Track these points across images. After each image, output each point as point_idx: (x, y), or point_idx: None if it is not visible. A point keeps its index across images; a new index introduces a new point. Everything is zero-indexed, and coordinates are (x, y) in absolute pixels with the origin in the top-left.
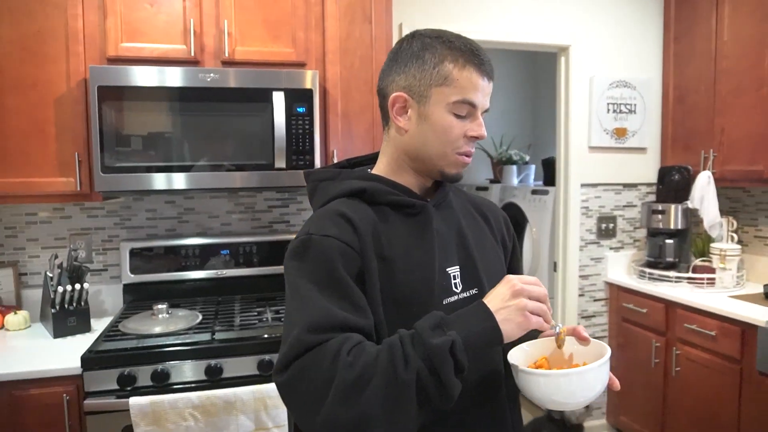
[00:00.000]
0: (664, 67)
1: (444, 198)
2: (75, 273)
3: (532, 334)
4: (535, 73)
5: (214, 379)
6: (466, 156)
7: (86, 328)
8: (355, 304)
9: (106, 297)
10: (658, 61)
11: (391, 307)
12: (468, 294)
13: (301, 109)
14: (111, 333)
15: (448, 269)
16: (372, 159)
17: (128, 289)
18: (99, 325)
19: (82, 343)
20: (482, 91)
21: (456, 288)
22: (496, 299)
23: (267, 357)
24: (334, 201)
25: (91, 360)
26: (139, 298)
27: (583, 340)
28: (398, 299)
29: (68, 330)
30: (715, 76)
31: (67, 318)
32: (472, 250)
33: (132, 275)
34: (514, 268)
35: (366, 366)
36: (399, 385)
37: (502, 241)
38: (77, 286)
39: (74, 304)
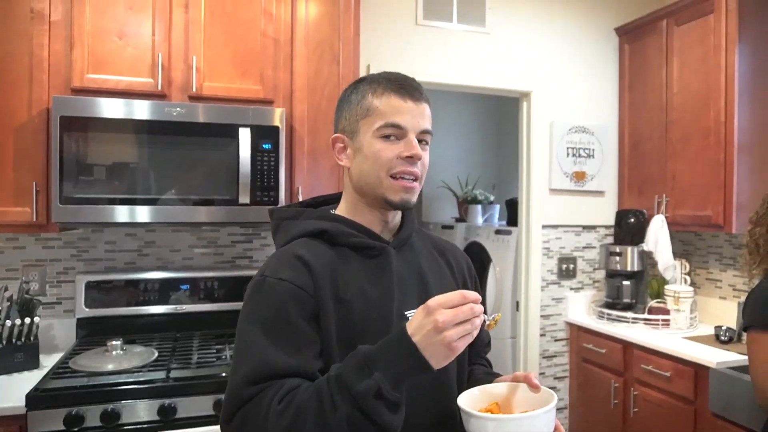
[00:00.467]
0: (619, 114)
1: (406, 239)
2: (26, 306)
3: (485, 379)
4: (499, 115)
5: (167, 420)
6: (404, 179)
7: (34, 364)
8: (300, 347)
9: (57, 332)
10: (614, 108)
11: (348, 350)
12: None
13: (267, 146)
14: (60, 370)
15: (406, 312)
16: (337, 198)
17: (82, 323)
18: (48, 362)
19: (28, 380)
20: (408, 112)
21: None
22: (420, 332)
23: (224, 396)
24: (295, 241)
25: (36, 399)
26: (93, 333)
27: (534, 387)
28: (355, 341)
29: (14, 366)
30: (666, 125)
31: (14, 354)
32: (432, 293)
33: (87, 309)
34: None
35: (297, 413)
36: (331, 430)
37: (463, 284)
38: (27, 319)
39: (23, 339)
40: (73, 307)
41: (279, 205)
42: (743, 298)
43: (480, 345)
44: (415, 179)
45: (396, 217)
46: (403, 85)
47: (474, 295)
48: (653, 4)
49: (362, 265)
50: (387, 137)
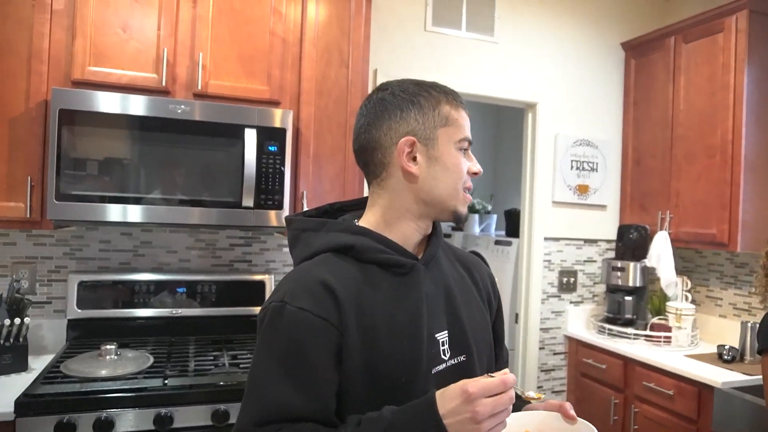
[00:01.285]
0: (623, 129)
1: (434, 255)
2: (15, 305)
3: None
4: (497, 125)
5: (163, 430)
6: (468, 193)
7: (22, 366)
8: (316, 386)
9: (47, 333)
10: (618, 123)
11: (375, 381)
12: (456, 361)
13: (272, 148)
14: (51, 374)
15: (436, 335)
16: (356, 205)
17: (73, 324)
18: (37, 364)
19: (16, 384)
20: (469, 128)
21: (444, 355)
22: (453, 417)
23: (222, 407)
24: (317, 257)
25: (26, 405)
26: (84, 335)
27: (569, 418)
28: (383, 371)
29: (1, 369)
30: (671, 141)
31: (1, 355)
32: (460, 312)
33: (79, 310)
34: (498, 328)
35: None
36: None
37: (488, 300)
38: (16, 320)
39: (11, 340)
40: (64, 308)
41: (294, 213)
42: (744, 318)
43: (501, 363)
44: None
45: (428, 230)
46: (462, 103)
47: (512, 379)
48: (660, 21)
49: (390, 285)
50: (463, 151)
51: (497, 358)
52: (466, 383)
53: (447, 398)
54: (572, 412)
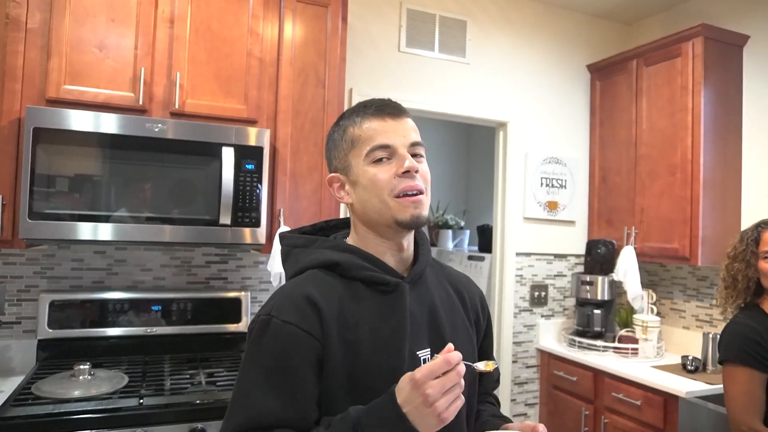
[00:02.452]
0: (590, 147)
1: (420, 274)
2: None
3: (492, 422)
4: (468, 143)
5: None
6: (409, 196)
7: None
8: (298, 396)
9: (15, 353)
10: (585, 141)
11: (357, 393)
12: None
13: (249, 166)
14: (22, 396)
15: (418, 352)
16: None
17: (44, 345)
18: (6, 386)
19: None
20: (391, 130)
21: None
22: (409, 405)
23: (199, 425)
24: (306, 273)
25: None
26: (55, 356)
27: None
28: (364, 384)
29: None
30: (635, 159)
31: None
32: (444, 331)
33: (50, 330)
34: (486, 348)
35: None
36: None
37: (476, 320)
38: None
39: None
40: (34, 328)
41: (287, 230)
42: (706, 329)
43: (489, 382)
44: (420, 193)
45: (410, 247)
46: (379, 106)
47: (457, 356)
48: (623, 45)
49: (374, 302)
50: (379, 161)
51: (482, 378)
52: (414, 371)
53: (401, 389)
54: None
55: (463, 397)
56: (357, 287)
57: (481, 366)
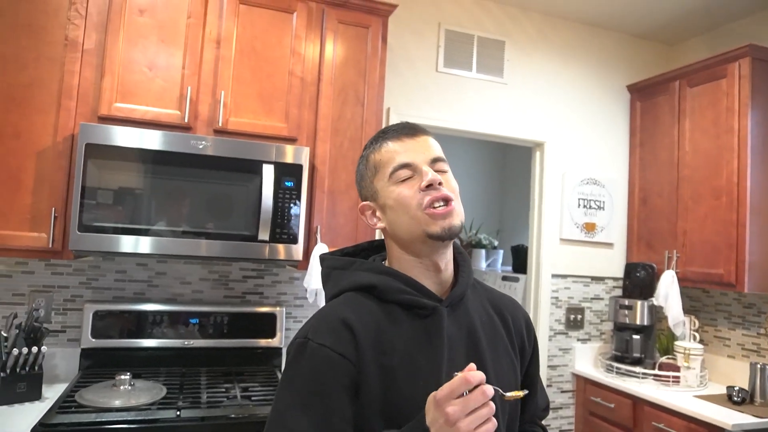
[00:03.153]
0: (630, 169)
1: (459, 297)
2: (33, 334)
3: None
4: (504, 162)
5: None
6: (435, 208)
7: (36, 395)
8: (333, 420)
9: (59, 361)
10: (624, 162)
11: (392, 419)
12: None
13: (289, 183)
14: (66, 404)
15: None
16: None
17: (86, 353)
18: (50, 393)
19: (31, 412)
20: (410, 149)
21: None
22: (434, 425)
23: None
24: (343, 296)
25: None
26: (97, 365)
27: None
28: (399, 410)
29: (16, 397)
30: (677, 182)
31: (16, 383)
32: (484, 356)
33: (93, 339)
34: (532, 374)
35: None
36: None
37: (521, 345)
38: (34, 348)
39: (27, 368)
40: (78, 336)
41: (329, 252)
42: (753, 359)
43: (534, 409)
44: (448, 201)
45: (448, 268)
46: (396, 129)
47: (480, 375)
48: (665, 66)
49: (411, 326)
50: (403, 181)
51: (526, 404)
52: (436, 391)
53: (428, 410)
54: None
55: (495, 421)
56: (394, 310)
57: (509, 393)
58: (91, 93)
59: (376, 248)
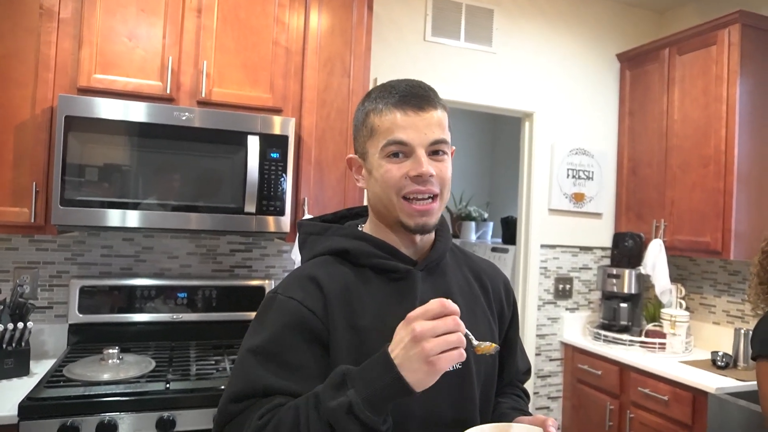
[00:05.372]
0: (619, 139)
1: (436, 262)
2: (18, 310)
3: (509, 415)
4: (494, 134)
5: None
6: (417, 200)
7: (24, 371)
8: (294, 368)
9: (48, 337)
10: (614, 132)
11: None
12: (451, 368)
13: (275, 155)
14: (54, 378)
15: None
16: None
17: (74, 329)
18: (39, 369)
19: (19, 388)
20: (411, 126)
21: None
22: (398, 346)
23: None
24: (316, 258)
25: (29, 408)
26: (85, 340)
27: None
28: None
29: (3, 373)
30: (666, 151)
31: (3, 359)
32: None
33: (80, 315)
34: (511, 337)
35: (275, 428)
36: None
37: (499, 310)
38: (20, 324)
39: (14, 344)
40: (65, 312)
41: (308, 218)
42: (737, 325)
43: (513, 372)
44: (432, 197)
45: (427, 236)
46: (404, 96)
47: (454, 307)
48: (655, 33)
49: (383, 289)
50: (395, 155)
51: (505, 367)
52: (409, 319)
53: (395, 334)
54: (552, 430)
55: (463, 353)
56: (366, 274)
57: (475, 342)
58: (70, 64)
59: (356, 215)
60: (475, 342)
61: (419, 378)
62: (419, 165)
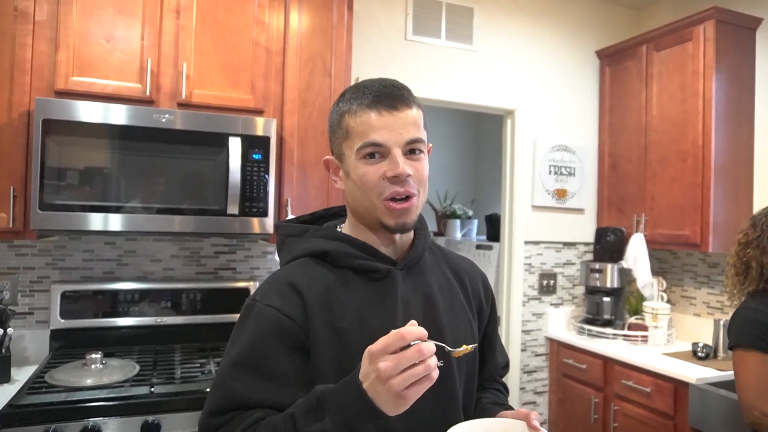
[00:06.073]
0: (599, 135)
1: (415, 260)
2: None
3: (491, 410)
4: (478, 131)
5: None
6: (395, 201)
7: (5, 378)
8: (272, 378)
9: (29, 344)
10: (594, 128)
11: None
12: None
13: (257, 156)
14: (36, 384)
15: (412, 343)
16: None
17: (56, 335)
18: (20, 375)
19: (0, 395)
20: (385, 127)
21: None
22: (367, 380)
23: None
24: (295, 261)
25: (11, 415)
26: (67, 346)
27: (532, 429)
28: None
29: None
30: (645, 146)
31: None
32: (440, 319)
33: (62, 320)
34: (490, 333)
35: None
36: None
37: (478, 307)
38: (0, 331)
39: None
40: (47, 318)
41: (285, 219)
42: (717, 316)
43: (493, 368)
44: (410, 197)
45: (406, 235)
46: (378, 96)
47: (418, 331)
48: (634, 30)
49: (364, 290)
50: (371, 156)
51: (485, 363)
52: (371, 345)
53: (362, 364)
54: (536, 423)
55: (433, 378)
56: (346, 275)
57: (456, 348)
58: (47, 67)
59: (333, 215)
60: (449, 349)
61: (390, 409)
62: (396, 165)
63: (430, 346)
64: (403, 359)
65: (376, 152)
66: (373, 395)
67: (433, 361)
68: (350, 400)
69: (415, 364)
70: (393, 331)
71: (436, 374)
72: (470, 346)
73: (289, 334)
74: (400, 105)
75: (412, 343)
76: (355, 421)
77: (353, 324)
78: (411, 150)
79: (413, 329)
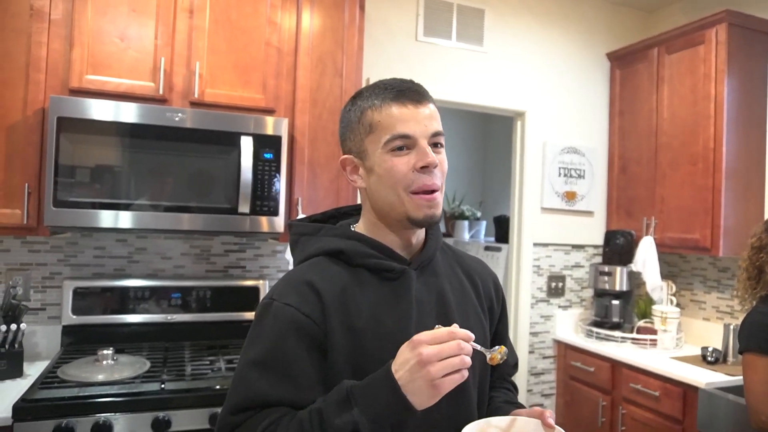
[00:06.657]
0: (609, 137)
1: (428, 260)
2: (11, 312)
3: (504, 408)
4: (486, 133)
5: None
6: (425, 193)
7: (18, 373)
8: (293, 377)
9: (40, 339)
10: (604, 131)
11: (361, 379)
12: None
13: (268, 155)
14: (48, 379)
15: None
16: (360, 210)
17: (68, 330)
18: (32, 370)
19: (13, 389)
20: (412, 118)
21: None
22: (403, 368)
23: (219, 410)
24: (310, 260)
25: (24, 409)
26: (78, 341)
27: (547, 426)
28: (367, 372)
29: None
30: (656, 149)
31: None
32: (453, 318)
33: (73, 316)
34: (501, 333)
35: None
36: None
37: (489, 307)
38: (12, 326)
39: (6, 346)
40: (59, 314)
41: (298, 218)
42: (727, 320)
43: (505, 367)
44: (436, 190)
45: (420, 235)
46: (401, 90)
47: (464, 332)
48: (644, 33)
49: (378, 289)
50: (399, 149)
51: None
52: (415, 342)
53: (399, 353)
54: (551, 421)
55: (465, 373)
56: (361, 274)
57: (488, 353)
58: (61, 65)
59: (344, 215)
60: (489, 354)
61: (422, 400)
62: (425, 155)
63: (468, 346)
64: (445, 348)
65: (404, 145)
66: (406, 384)
67: (468, 358)
68: (381, 393)
69: (453, 356)
70: (443, 328)
71: (466, 373)
72: (498, 351)
73: (307, 332)
74: (423, 100)
75: None
76: (383, 415)
77: (368, 323)
78: (434, 143)
79: (461, 330)
